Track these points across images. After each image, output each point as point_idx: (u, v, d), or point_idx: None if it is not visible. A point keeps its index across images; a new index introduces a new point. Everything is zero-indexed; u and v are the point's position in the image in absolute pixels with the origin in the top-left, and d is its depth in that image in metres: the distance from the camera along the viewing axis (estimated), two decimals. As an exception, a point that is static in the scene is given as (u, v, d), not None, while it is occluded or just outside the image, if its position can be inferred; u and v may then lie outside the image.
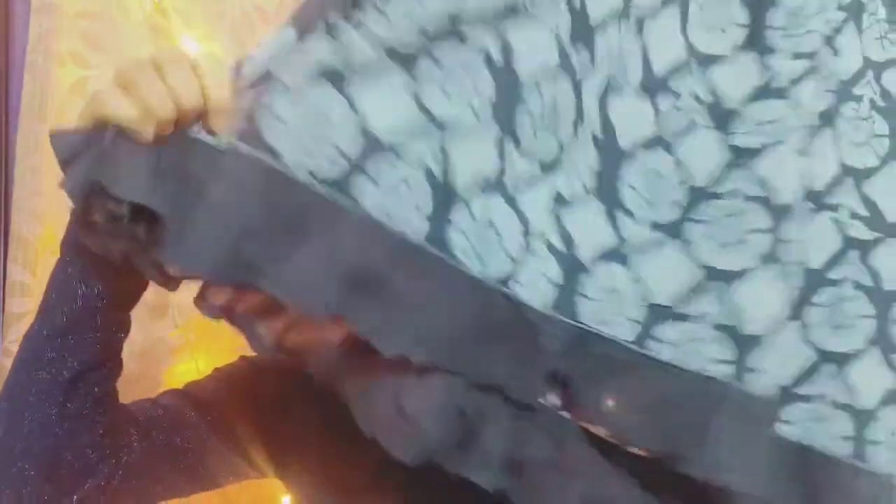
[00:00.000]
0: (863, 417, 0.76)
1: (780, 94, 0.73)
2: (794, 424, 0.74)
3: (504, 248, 0.66)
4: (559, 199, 0.69)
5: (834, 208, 0.77)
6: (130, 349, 0.77)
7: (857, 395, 0.76)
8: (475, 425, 0.66)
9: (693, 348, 0.69)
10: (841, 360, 0.76)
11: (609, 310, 0.68)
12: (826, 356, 0.75)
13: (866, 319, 0.77)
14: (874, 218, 0.78)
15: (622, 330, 0.68)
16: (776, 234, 0.71)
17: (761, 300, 0.71)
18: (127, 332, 0.75)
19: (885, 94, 0.80)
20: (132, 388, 0.80)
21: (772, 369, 0.71)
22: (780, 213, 0.71)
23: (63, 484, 0.72)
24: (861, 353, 0.76)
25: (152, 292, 0.75)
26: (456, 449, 0.66)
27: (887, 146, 0.79)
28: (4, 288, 1.02)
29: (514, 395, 0.66)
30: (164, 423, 0.79)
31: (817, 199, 0.76)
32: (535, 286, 0.67)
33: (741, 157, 0.71)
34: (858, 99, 0.79)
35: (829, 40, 0.76)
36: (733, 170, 0.71)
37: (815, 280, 0.75)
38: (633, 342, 0.68)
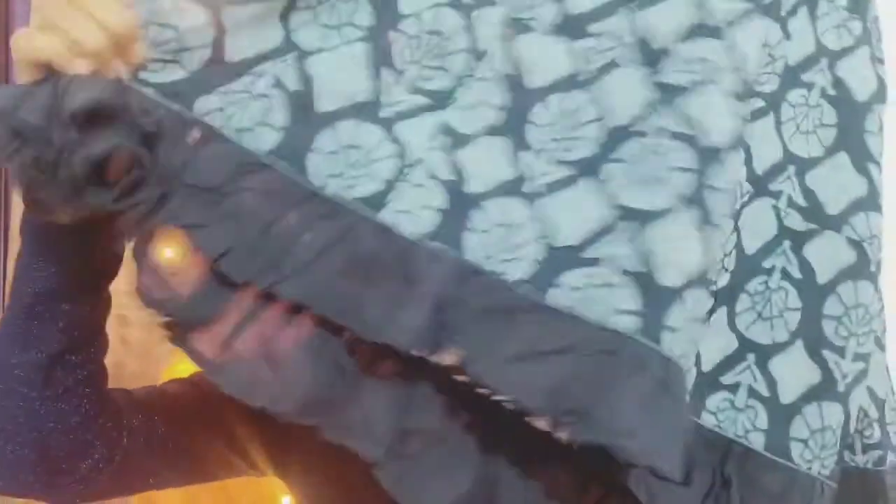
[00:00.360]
0: (781, 411, 0.73)
1: (714, 33, 0.69)
2: (714, 413, 0.72)
3: (372, 171, 0.64)
4: (451, 134, 0.66)
5: (774, 195, 0.75)
6: (130, 349, 0.77)
7: (777, 389, 0.74)
8: (354, 383, 0.63)
9: (597, 295, 0.64)
10: (764, 351, 0.74)
11: (500, 245, 0.64)
12: (749, 346, 0.74)
13: (793, 312, 0.75)
14: (812, 209, 0.76)
15: (516, 268, 0.64)
16: (701, 176, 0.67)
17: (679, 246, 0.66)
18: (106, 308, 0.74)
19: (837, 83, 0.78)
20: (132, 387, 0.80)
21: (688, 333, 0.66)
22: (707, 154, 0.67)
23: (57, 464, 0.71)
24: (784, 346, 0.74)
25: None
26: (332, 407, 0.63)
27: (834, 137, 0.78)
28: (5, 287, 1.03)
29: (396, 345, 0.62)
30: (168, 410, 0.79)
31: (758, 184, 0.74)
32: (413, 216, 0.64)
33: (668, 93, 0.68)
34: (808, 86, 0.77)
35: (782, 21, 0.75)
36: (659, 107, 0.68)
37: (748, 266, 0.74)
38: (527, 281, 0.64)
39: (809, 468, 0.74)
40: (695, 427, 0.71)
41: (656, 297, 0.64)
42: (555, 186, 0.66)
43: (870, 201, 0.77)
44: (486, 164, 0.66)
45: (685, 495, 0.70)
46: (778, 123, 0.76)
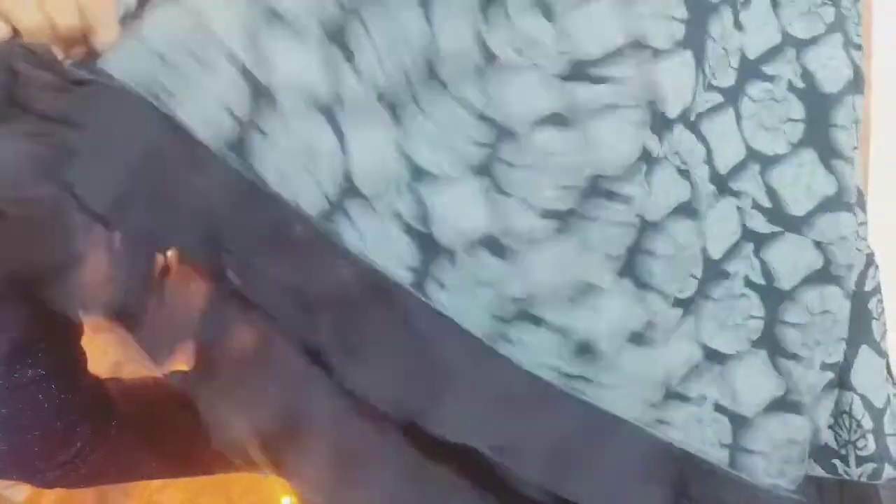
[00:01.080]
0: (744, 425, 0.70)
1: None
2: (679, 429, 0.68)
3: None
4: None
5: (737, 195, 0.71)
6: (130, 349, 0.77)
7: (740, 401, 0.70)
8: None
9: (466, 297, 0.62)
10: (727, 362, 0.70)
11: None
12: (713, 356, 0.70)
13: (754, 320, 0.71)
14: (776, 210, 0.72)
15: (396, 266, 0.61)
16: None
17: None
18: None
19: (805, 74, 0.74)
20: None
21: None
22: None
23: (30, 451, 0.71)
24: (744, 356, 0.70)
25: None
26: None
27: (801, 132, 0.73)
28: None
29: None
30: (162, 400, 0.79)
31: (721, 184, 0.71)
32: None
33: None
34: (772, 79, 0.73)
35: (735, 13, 0.71)
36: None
37: (714, 271, 0.70)
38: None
39: (774, 484, 0.70)
40: (656, 442, 0.67)
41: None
42: None
43: (838, 201, 0.73)
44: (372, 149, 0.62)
45: None
46: (738, 119, 0.72)
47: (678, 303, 0.68)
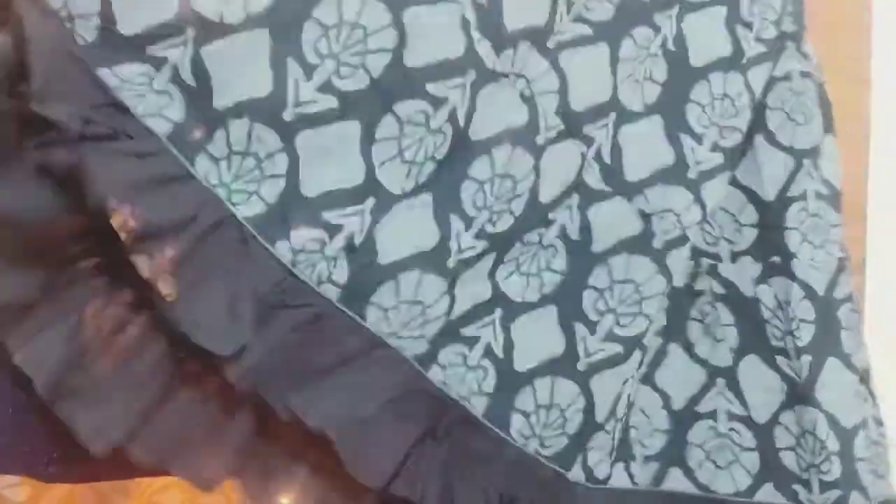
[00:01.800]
0: (512, 378, 0.65)
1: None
2: (443, 367, 0.64)
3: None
4: None
5: (586, 140, 0.66)
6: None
7: (513, 353, 0.65)
8: None
9: None
10: (512, 308, 0.65)
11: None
12: (501, 299, 0.65)
13: (552, 273, 0.66)
14: (613, 169, 0.68)
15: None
16: None
17: None
18: None
19: (679, 38, 0.69)
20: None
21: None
22: None
23: (38, 446, 0.70)
24: (532, 307, 0.66)
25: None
26: None
27: (657, 96, 0.69)
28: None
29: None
30: None
31: (574, 123, 0.66)
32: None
33: None
34: (656, 30, 0.69)
35: None
36: None
37: (536, 214, 0.65)
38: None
39: (525, 445, 0.65)
40: (420, 378, 0.63)
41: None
42: None
43: (674, 174, 0.69)
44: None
45: (390, 441, 0.61)
46: (614, 60, 0.67)
47: (483, 235, 0.63)
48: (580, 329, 0.67)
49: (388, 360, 0.61)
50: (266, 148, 0.58)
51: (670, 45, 0.69)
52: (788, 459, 0.71)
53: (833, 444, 0.70)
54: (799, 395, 0.71)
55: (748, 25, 0.71)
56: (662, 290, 0.69)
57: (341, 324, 0.60)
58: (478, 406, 0.64)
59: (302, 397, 0.58)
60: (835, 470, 0.69)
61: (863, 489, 0.70)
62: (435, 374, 0.63)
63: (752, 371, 0.72)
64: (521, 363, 0.65)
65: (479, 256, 0.63)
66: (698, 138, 0.70)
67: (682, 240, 0.69)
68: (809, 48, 0.75)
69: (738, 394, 0.72)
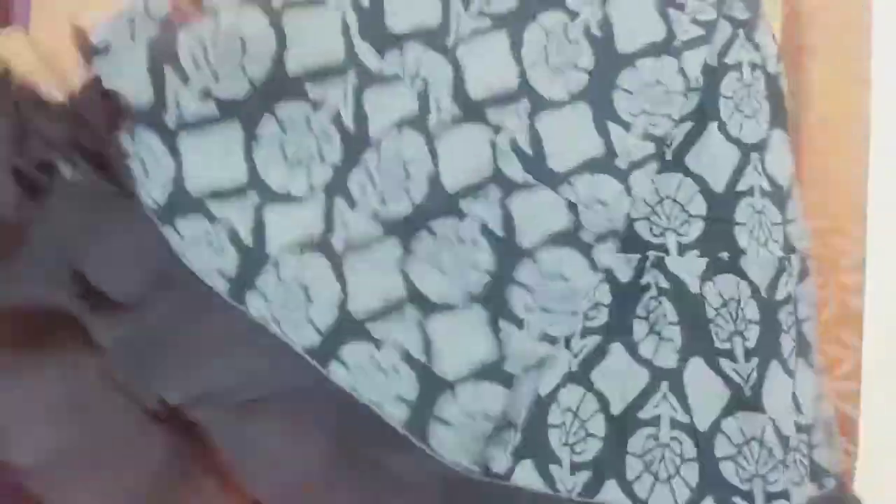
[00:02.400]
0: (434, 384, 0.62)
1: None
2: (344, 364, 0.62)
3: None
4: None
5: (494, 128, 0.65)
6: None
7: (433, 355, 0.62)
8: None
9: None
10: (430, 306, 0.63)
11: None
12: (415, 296, 0.62)
13: (478, 273, 0.64)
14: (536, 159, 0.65)
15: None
16: None
17: None
18: None
19: (605, 23, 0.67)
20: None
21: None
22: None
23: None
24: (458, 309, 0.63)
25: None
26: None
27: (584, 84, 0.66)
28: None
29: None
30: None
31: (471, 107, 0.64)
32: None
33: None
34: (573, 15, 0.67)
35: None
36: None
37: (442, 202, 0.63)
38: None
39: (441, 458, 0.62)
40: (318, 374, 0.60)
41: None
42: None
43: (603, 164, 0.66)
44: None
45: (289, 443, 0.59)
46: (515, 46, 0.65)
47: (376, 218, 0.62)
48: (507, 327, 0.63)
49: (272, 349, 0.61)
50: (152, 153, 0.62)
51: (595, 31, 0.67)
52: (728, 471, 0.66)
53: (779, 453, 0.65)
54: (744, 400, 0.66)
55: (680, 7, 0.68)
56: (594, 285, 0.65)
57: (219, 308, 0.60)
58: (397, 416, 0.61)
59: (169, 377, 0.58)
60: (782, 480, 0.65)
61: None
62: (338, 373, 0.61)
63: (697, 374, 0.67)
64: (451, 372, 0.62)
65: (377, 241, 0.63)
66: (626, 126, 0.66)
67: (613, 233, 0.66)
68: (764, 38, 0.72)
69: (682, 399, 0.66)
